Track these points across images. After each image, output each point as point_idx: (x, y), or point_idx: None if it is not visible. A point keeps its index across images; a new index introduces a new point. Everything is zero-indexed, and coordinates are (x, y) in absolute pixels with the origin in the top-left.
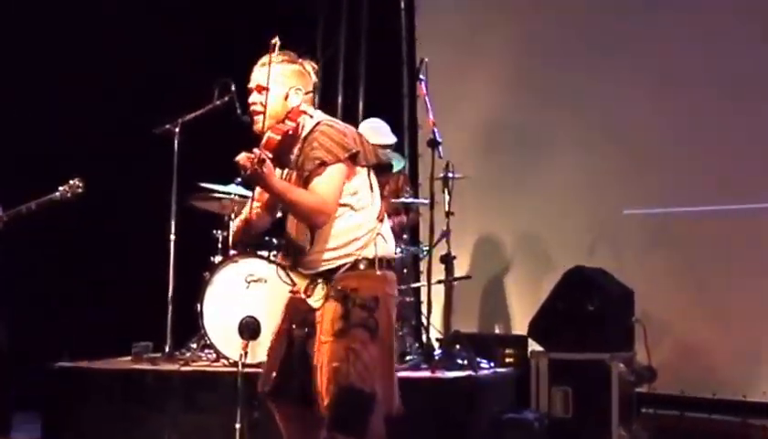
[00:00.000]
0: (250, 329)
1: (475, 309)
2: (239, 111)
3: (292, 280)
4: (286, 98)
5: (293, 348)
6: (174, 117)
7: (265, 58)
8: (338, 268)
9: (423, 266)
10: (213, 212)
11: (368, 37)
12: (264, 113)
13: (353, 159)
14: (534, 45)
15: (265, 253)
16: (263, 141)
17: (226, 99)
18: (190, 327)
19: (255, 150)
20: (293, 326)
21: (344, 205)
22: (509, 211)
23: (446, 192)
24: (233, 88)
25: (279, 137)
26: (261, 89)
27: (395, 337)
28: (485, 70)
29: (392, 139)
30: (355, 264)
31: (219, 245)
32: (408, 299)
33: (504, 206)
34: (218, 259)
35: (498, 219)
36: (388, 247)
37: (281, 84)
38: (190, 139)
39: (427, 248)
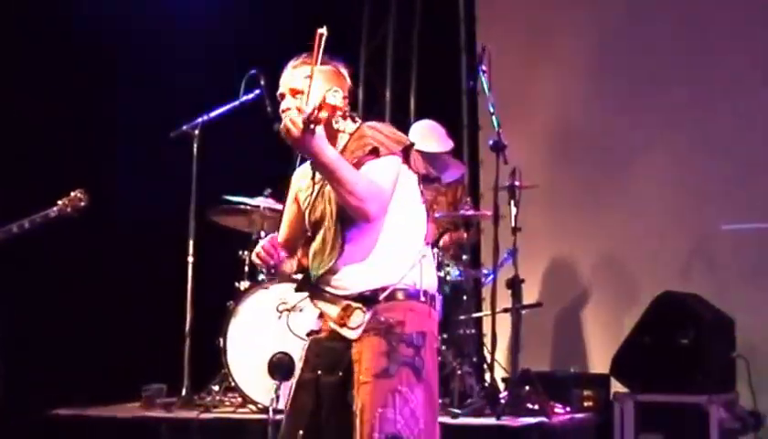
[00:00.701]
0: (282, 368)
1: (548, 343)
2: (269, 108)
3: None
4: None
5: (321, 399)
6: (192, 117)
7: (297, 60)
8: (377, 293)
9: (486, 292)
10: (239, 230)
11: (421, 22)
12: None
13: (406, 156)
14: (618, 35)
15: (299, 277)
16: (314, 112)
17: (255, 94)
18: (211, 366)
19: (308, 110)
20: (320, 373)
21: (394, 212)
22: (587, 227)
23: (513, 204)
24: (263, 81)
25: (328, 114)
26: (295, 92)
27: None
28: (558, 61)
29: (448, 144)
30: (396, 293)
31: (246, 268)
32: (468, 331)
33: (581, 221)
34: (244, 285)
35: (574, 236)
36: (433, 277)
37: (319, 85)
38: (212, 143)
39: (491, 270)
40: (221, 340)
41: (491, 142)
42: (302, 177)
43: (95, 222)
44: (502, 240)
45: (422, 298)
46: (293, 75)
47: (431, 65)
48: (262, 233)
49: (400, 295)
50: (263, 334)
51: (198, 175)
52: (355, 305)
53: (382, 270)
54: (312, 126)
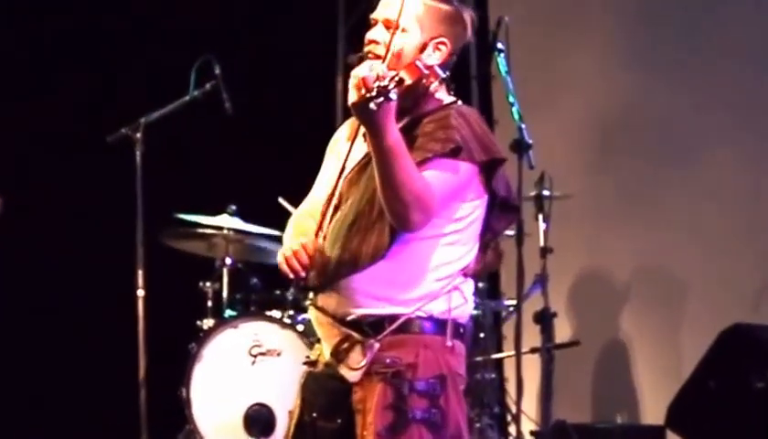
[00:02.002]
0: (259, 422)
1: (586, 389)
2: (227, 103)
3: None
4: (422, 50)
5: None
6: (133, 117)
7: None
8: (383, 321)
9: (509, 329)
10: (198, 255)
11: None
12: (384, 60)
13: (487, 171)
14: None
15: (277, 314)
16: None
17: (208, 87)
18: (173, 422)
19: (387, 71)
20: (315, 416)
21: (439, 226)
22: (634, 247)
23: (541, 219)
24: (218, 70)
25: (411, 81)
26: (389, 25)
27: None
28: (594, 37)
29: None
30: (407, 324)
31: (209, 302)
32: (487, 376)
33: (627, 239)
34: (208, 323)
35: (619, 257)
36: (465, 309)
37: (421, 27)
38: (160, 149)
39: (514, 302)
40: (184, 390)
41: (511, 140)
42: (351, 123)
43: (16, 250)
44: (528, 263)
45: (441, 329)
46: (398, 1)
47: None
48: (227, 260)
49: (411, 327)
50: (235, 382)
51: (145, 188)
52: (355, 336)
53: (398, 291)
54: (381, 100)
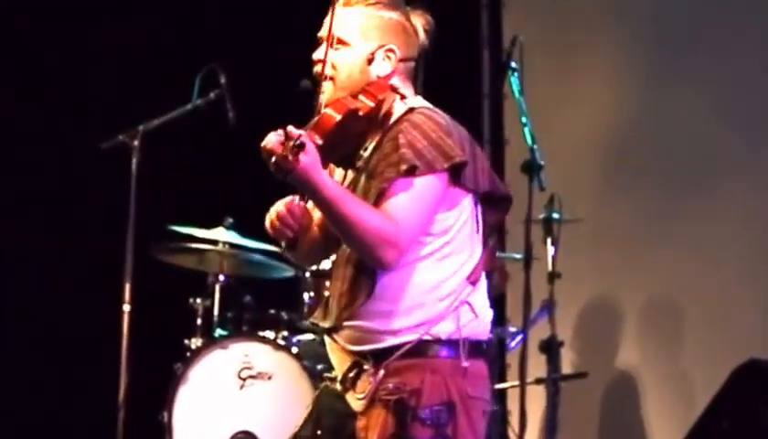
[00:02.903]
0: None
1: (593, 424)
2: (231, 113)
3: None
4: (369, 62)
5: None
6: (131, 124)
7: None
8: (391, 350)
9: (513, 357)
10: (189, 269)
11: (429, 2)
12: (334, 80)
13: (456, 175)
14: (691, 17)
15: (270, 334)
16: (315, 120)
17: (212, 96)
18: None
19: (293, 130)
20: (320, 434)
21: (423, 245)
22: (646, 274)
23: (549, 242)
24: (223, 79)
25: (339, 118)
26: (337, 41)
27: None
28: (609, 55)
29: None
30: (417, 347)
31: (199, 320)
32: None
33: (638, 265)
34: (196, 342)
35: (630, 284)
36: (479, 324)
37: (365, 39)
38: (156, 158)
39: (519, 329)
40: (165, 414)
41: (522, 161)
42: None
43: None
44: (535, 289)
45: (454, 351)
46: (341, 16)
47: (442, 59)
48: (221, 276)
49: (418, 351)
50: (220, 406)
51: (138, 198)
52: (364, 364)
53: (400, 321)
54: (296, 155)
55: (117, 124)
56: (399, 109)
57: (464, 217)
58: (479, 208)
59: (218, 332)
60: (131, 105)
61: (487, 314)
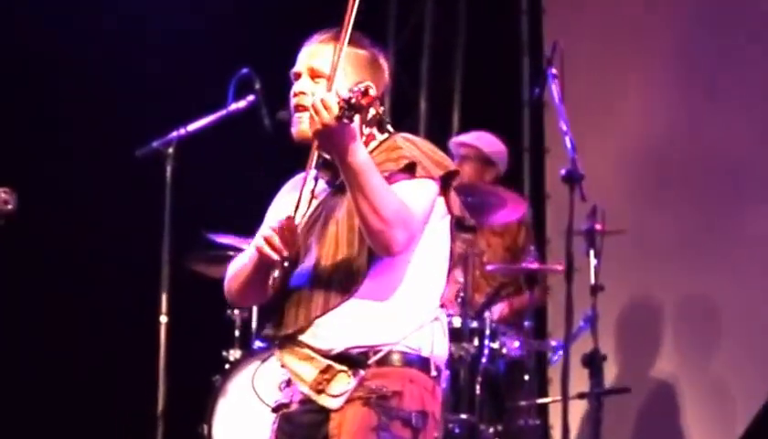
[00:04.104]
0: None
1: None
2: (266, 120)
3: (286, 367)
4: None
5: None
6: (165, 130)
7: (324, 33)
8: (367, 353)
9: (555, 372)
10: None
11: (468, 9)
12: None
13: (445, 187)
14: (743, 23)
15: None
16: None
17: (247, 101)
18: None
19: (342, 92)
20: None
21: (412, 251)
22: (691, 286)
23: (592, 254)
24: (258, 84)
25: (369, 105)
26: (315, 75)
27: None
28: (654, 61)
29: (503, 166)
30: (391, 356)
31: (237, 332)
32: (531, 422)
33: (683, 278)
34: (234, 354)
35: (674, 297)
36: (444, 346)
37: (345, 74)
38: (192, 165)
39: (561, 342)
40: (205, 427)
41: (563, 171)
42: (291, 191)
43: (34, 267)
44: (577, 301)
45: (425, 367)
46: (318, 51)
47: (481, 65)
48: None
49: (396, 360)
50: (260, 420)
51: (174, 207)
52: (338, 366)
53: (380, 324)
54: (349, 114)
55: (151, 132)
56: (378, 135)
57: (446, 233)
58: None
59: (258, 344)
60: (165, 112)
61: (446, 345)
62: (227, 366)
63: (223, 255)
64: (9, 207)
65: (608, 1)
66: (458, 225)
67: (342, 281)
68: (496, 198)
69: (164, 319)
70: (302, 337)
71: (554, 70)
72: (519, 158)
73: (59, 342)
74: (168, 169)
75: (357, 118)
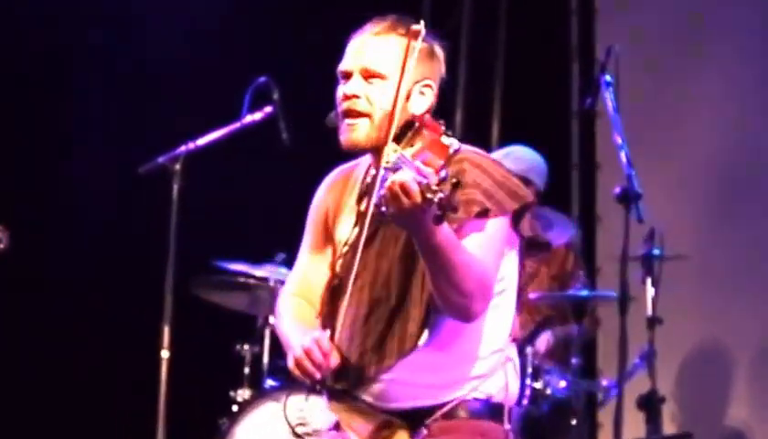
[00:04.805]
0: None
1: None
2: (284, 134)
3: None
4: (408, 97)
5: None
6: (172, 144)
7: (379, 24)
8: (434, 409)
9: (606, 415)
10: (235, 310)
11: (509, 10)
12: (371, 117)
13: (516, 218)
14: None
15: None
16: (426, 156)
17: (264, 113)
18: None
19: (420, 166)
20: None
21: None
22: (758, 318)
23: (649, 283)
24: (276, 95)
25: (441, 163)
26: (369, 75)
27: None
28: (719, 69)
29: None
30: (459, 409)
31: (247, 369)
32: None
33: (749, 310)
34: (243, 394)
35: (739, 331)
36: (517, 387)
37: (405, 73)
38: (201, 183)
39: (613, 382)
40: None
41: (618, 189)
42: (333, 188)
43: (29, 294)
44: (632, 335)
45: (497, 414)
46: (371, 46)
47: (524, 72)
48: (271, 318)
49: (465, 412)
50: None
51: (179, 229)
52: (399, 421)
53: (446, 375)
54: (440, 213)
55: (156, 146)
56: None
57: (515, 264)
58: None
59: (269, 383)
60: (172, 124)
61: (518, 383)
62: (234, 407)
63: (233, 282)
64: (1, 245)
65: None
66: (530, 244)
67: (397, 338)
68: (540, 221)
69: (165, 354)
70: (358, 391)
71: (608, 78)
72: (567, 175)
73: (55, 378)
74: (175, 187)
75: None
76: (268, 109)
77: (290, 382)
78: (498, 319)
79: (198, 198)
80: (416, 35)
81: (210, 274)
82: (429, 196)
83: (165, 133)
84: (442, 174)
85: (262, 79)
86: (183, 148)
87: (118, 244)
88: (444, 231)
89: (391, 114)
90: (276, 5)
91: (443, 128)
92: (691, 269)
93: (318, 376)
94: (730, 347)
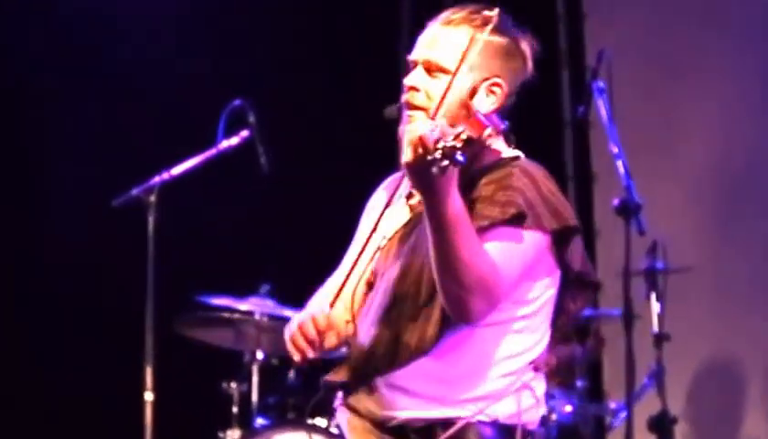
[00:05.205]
0: None
1: None
2: (262, 158)
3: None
4: (472, 94)
5: None
6: (146, 175)
7: (455, 12)
8: (437, 426)
9: (616, 438)
10: (220, 347)
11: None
12: (427, 112)
13: (558, 243)
14: None
15: (321, 422)
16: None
17: (240, 137)
18: None
19: (444, 125)
20: None
21: (499, 310)
22: None
23: (654, 298)
24: (253, 118)
25: (476, 136)
26: (431, 67)
27: None
28: (719, 72)
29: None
30: (470, 429)
31: (235, 408)
32: None
33: (760, 323)
34: (232, 435)
35: (752, 345)
36: (537, 411)
37: (470, 67)
38: (178, 214)
39: (621, 404)
40: None
41: (616, 201)
42: (389, 186)
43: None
44: (639, 354)
45: (508, 437)
46: (441, 38)
47: None
48: (258, 353)
49: (470, 435)
50: None
51: (158, 263)
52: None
53: (454, 390)
54: (446, 163)
55: (130, 177)
56: (505, 151)
57: (549, 293)
58: (562, 289)
59: (259, 421)
60: (145, 153)
61: (543, 404)
62: None
63: (217, 317)
64: None
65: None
66: (577, 281)
67: (415, 335)
68: None
69: (149, 396)
70: (356, 403)
71: (601, 83)
72: (563, 188)
73: (35, 430)
74: (150, 220)
75: (461, 160)
76: (244, 133)
77: (281, 420)
78: (517, 343)
79: (176, 230)
80: (486, 23)
81: (193, 311)
82: (438, 146)
83: (138, 162)
84: (459, 129)
85: (237, 101)
86: (157, 178)
87: (94, 283)
88: (459, 207)
89: (439, 105)
90: (249, 24)
91: (503, 128)
92: (697, 281)
93: (310, 354)
94: (743, 361)
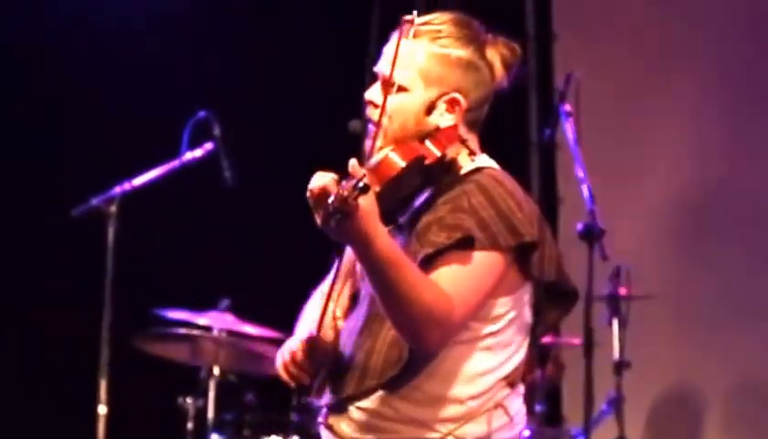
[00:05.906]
0: None
1: None
2: (227, 172)
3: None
4: (429, 111)
5: None
6: (106, 185)
7: (418, 24)
8: None
9: None
10: (177, 361)
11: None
12: (383, 128)
13: (522, 258)
14: None
15: None
16: (375, 162)
17: (204, 150)
18: None
19: (355, 165)
20: None
21: (465, 329)
22: (732, 362)
23: (615, 324)
24: (218, 130)
25: (404, 164)
26: (386, 82)
27: None
28: (687, 93)
29: None
30: None
31: (190, 424)
32: None
33: (722, 351)
34: None
35: (712, 373)
36: (512, 429)
37: (426, 82)
38: (138, 227)
39: (579, 431)
40: None
41: (580, 225)
42: None
43: None
44: (598, 380)
45: None
46: (404, 50)
47: None
48: (215, 369)
49: None
50: None
51: (115, 276)
52: None
53: (424, 411)
54: (339, 216)
55: (89, 186)
56: (466, 165)
57: (517, 309)
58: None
59: (214, 438)
60: (106, 162)
61: (522, 420)
62: None
63: (174, 333)
64: None
65: (630, 25)
66: (553, 291)
67: (384, 357)
68: None
69: (102, 409)
70: (336, 416)
71: (568, 107)
72: None
73: None
74: (110, 231)
75: (369, 200)
76: (209, 145)
77: (236, 438)
78: (487, 361)
79: (136, 241)
80: (408, 26)
81: (149, 324)
82: (329, 201)
83: (98, 171)
84: (358, 176)
85: (202, 113)
86: (118, 189)
87: (50, 293)
88: (385, 244)
89: (378, 123)
90: (216, 35)
91: (450, 146)
92: (660, 309)
93: (305, 381)
94: (701, 390)
